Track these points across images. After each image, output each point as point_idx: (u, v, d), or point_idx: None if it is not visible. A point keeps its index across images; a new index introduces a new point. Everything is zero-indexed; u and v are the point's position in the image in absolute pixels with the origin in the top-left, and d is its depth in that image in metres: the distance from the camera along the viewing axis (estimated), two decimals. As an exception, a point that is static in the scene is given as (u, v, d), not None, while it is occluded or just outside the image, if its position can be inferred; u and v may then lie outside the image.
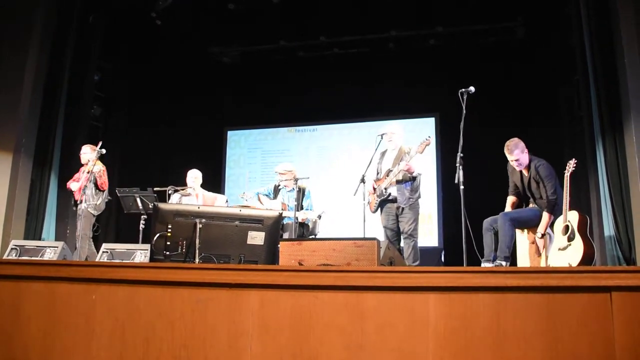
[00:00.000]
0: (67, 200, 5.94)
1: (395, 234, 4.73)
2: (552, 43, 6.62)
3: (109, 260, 4.60)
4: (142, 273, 2.24)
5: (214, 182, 7.59)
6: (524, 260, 4.34)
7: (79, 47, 6.51)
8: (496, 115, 6.48)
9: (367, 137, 6.25)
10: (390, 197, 4.72)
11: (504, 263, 4.05)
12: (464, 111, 3.96)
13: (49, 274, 2.31)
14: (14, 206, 5.51)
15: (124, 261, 4.56)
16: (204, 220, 2.82)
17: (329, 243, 3.06)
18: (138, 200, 5.56)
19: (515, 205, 4.45)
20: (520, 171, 4.35)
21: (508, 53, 6.91)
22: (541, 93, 6.61)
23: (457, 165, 3.89)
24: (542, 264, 4.21)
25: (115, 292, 2.22)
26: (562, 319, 1.82)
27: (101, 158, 5.38)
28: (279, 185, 5.55)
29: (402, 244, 4.69)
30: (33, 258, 4.51)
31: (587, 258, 3.85)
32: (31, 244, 4.85)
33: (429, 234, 7.01)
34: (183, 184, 5.80)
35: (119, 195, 5.70)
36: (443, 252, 6.93)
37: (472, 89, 4.01)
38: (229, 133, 8.42)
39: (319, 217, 5.45)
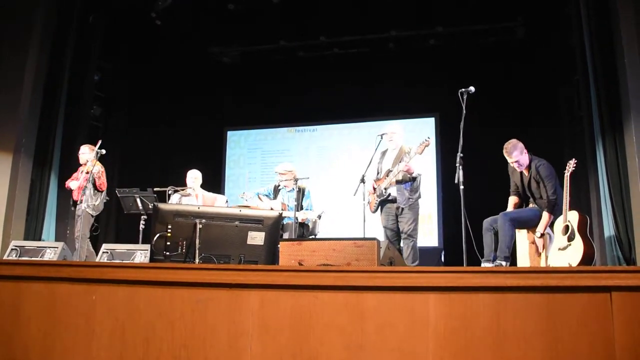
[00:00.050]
0: (67, 201, 5.93)
1: (395, 234, 4.73)
2: (552, 43, 6.62)
3: (109, 261, 4.60)
4: (142, 273, 2.24)
5: (214, 182, 7.59)
6: (523, 260, 4.34)
7: (79, 47, 6.50)
8: (496, 115, 6.48)
9: (367, 137, 6.25)
10: (390, 198, 4.72)
11: (504, 263, 4.06)
12: (464, 111, 3.96)
13: (49, 275, 2.31)
14: (14, 206, 5.50)
15: (124, 261, 4.56)
16: (204, 220, 2.82)
17: (329, 243, 3.06)
18: (138, 200, 5.56)
19: (517, 206, 4.46)
20: (521, 171, 4.35)
21: (508, 53, 6.91)
22: (541, 93, 6.61)
23: (457, 165, 3.89)
24: (542, 264, 4.21)
25: (116, 292, 2.22)
26: (562, 319, 1.82)
27: (101, 158, 5.38)
28: (278, 186, 5.55)
29: (402, 244, 4.69)
30: (33, 258, 4.51)
31: (587, 258, 3.85)
32: (31, 244, 4.85)
33: (428, 234, 7.01)
34: (183, 184, 5.80)
35: (119, 195, 5.70)
36: (443, 252, 6.93)
37: (472, 89, 4.01)
38: (229, 133, 8.42)
39: (319, 217, 5.45)
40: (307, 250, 3.06)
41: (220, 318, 2.08)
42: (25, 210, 5.71)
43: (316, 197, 5.72)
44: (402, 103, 7.29)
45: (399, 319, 1.94)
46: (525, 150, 4.30)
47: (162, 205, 2.91)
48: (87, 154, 5.60)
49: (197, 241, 2.78)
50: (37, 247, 4.76)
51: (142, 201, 5.55)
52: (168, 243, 2.79)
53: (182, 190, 5.76)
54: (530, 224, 4.26)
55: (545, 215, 4.14)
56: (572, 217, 4.02)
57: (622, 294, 1.80)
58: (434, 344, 1.89)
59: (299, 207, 5.30)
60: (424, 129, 7.25)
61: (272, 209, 5.28)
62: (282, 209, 5.33)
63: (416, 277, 1.98)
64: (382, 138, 4.76)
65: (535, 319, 1.84)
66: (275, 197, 5.56)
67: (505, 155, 4.30)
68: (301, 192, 5.39)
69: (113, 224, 7.51)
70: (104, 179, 5.52)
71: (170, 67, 7.81)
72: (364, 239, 3.12)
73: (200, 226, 2.80)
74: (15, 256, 4.58)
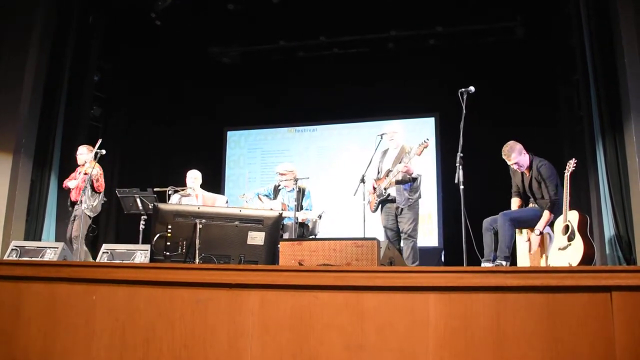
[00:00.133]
0: (66, 201, 5.93)
1: (395, 234, 4.73)
2: (551, 43, 6.63)
3: (109, 261, 4.60)
4: (142, 273, 2.24)
5: (214, 182, 7.59)
6: (523, 260, 4.34)
7: (79, 47, 6.50)
8: (496, 115, 6.48)
9: (367, 137, 6.25)
10: (389, 198, 4.72)
11: (504, 263, 4.06)
12: (464, 111, 3.96)
13: (49, 275, 2.31)
14: (14, 207, 5.50)
15: (124, 262, 4.56)
16: (204, 220, 2.82)
17: (329, 243, 3.06)
18: (138, 200, 5.56)
19: (520, 207, 4.45)
20: (522, 172, 4.35)
21: (508, 53, 6.90)
22: (541, 93, 6.61)
23: (457, 165, 3.89)
24: (542, 263, 4.22)
25: (116, 292, 2.22)
26: (563, 318, 1.82)
27: (101, 158, 5.38)
28: (279, 186, 5.55)
29: (402, 244, 4.69)
30: (33, 259, 4.51)
31: (587, 258, 3.85)
32: (31, 244, 4.84)
33: (428, 234, 7.01)
34: (183, 184, 5.80)
35: (119, 195, 5.70)
36: (443, 252, 6.93)
37: (472, 88, 4.01)
38: (229, 133, 8.42)
39: (319, 217, 5.45)
40: (307, 250, 3.06)
41: (220, 318, 2.08)
42: (26, 211, 5.71)
43: (316, 197, 5.72)
44: (402, 103, 7.29)
45: (399, 319, 1.93)
46: (524, 151, 4.30)
47: (162, 206, 2.91)
48: (85, 154, 5.59)
49: (197, 241, 2.78)
50: (38, 247, 4.76)
51: (142, 201, 5.55)
52: (168, 243, 2.79)
53: (182, 190, 5.76)
54: (530, 224, 4.26)
55: (546, 214, 4.14)
56: (572, 217, 4.02)
57: (623, 293, 1.80)
58: (434, 344, 1.89)
59: (299, 207, 5.30)
60: (424, 129, 7.25)
61: (272, 209, 5.28)
62: (282, 209, 5.33)
63: (416, 277, 1.98)
64: (382, 138, 4.77)
65: (535, 319, 1.84)
66: (275, 197, 5.56)
67: (504, 157, 4.30)
68: (301, 192, 5.39)
69: (113, 224, 7.51)
70: (102, 181, 5.52)
71: (170, 67, 7.81)
72: (364, 239, 3.12)
73: (201, 226, 2.80)
74: (16, 256, 4.58)
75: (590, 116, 5.32)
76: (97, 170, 5.40)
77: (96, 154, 5.27)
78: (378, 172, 4.89)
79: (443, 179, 7.04)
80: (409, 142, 4.80)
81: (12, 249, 4.64)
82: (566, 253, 3.98)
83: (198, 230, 2.79)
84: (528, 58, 6.72)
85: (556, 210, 4.14)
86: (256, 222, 2.90)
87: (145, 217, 5.57)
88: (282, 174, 5.46)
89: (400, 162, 4.63)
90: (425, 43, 7.32)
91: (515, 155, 4.25)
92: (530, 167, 4.31)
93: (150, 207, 5.40)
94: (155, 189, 5.63)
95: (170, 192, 5.71)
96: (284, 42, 7.73)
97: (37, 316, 2.26)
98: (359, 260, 2.90)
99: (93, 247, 6.53)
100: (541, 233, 4.16)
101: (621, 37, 4.72)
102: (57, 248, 4.70)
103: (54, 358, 2.20)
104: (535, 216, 4.22)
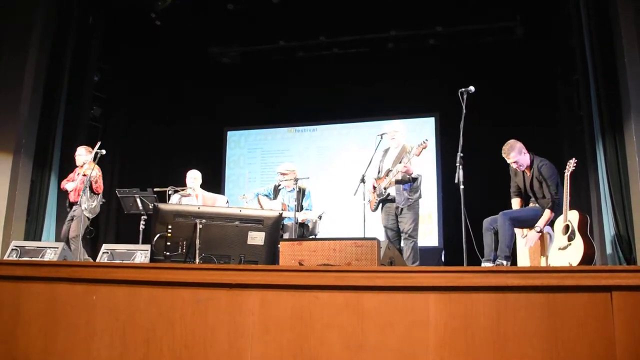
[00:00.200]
0: (66, 202, 5.93)
1: (395, 234, 4.73)
2: (551, 43, 6.63)
3: (109, 261, 4.60)
4: (143, 273, 2.24)
5: (214, 182, 7.59)
6: (524, 259, 4.34)
7: (79, 47, 6.50)
8: (496, 115, 6.48)
9: (367, 137, 6.25)
10: (389, 197, 4.72)
11: (505, 262, 4.05)
12: (464, 111, 3.96)
13: (50, 275, 2.31)
14: (14, 207, 5.50)
15: (124, 262, 4.56)
16: (204, 220, 2.82)
17: (329, 243, 3.05)
18: (138, 200, 5.56)
19: (521, 207, 4.45)
20: (523, 171, 4.35)
21: (507, 52, 6.90)
22: (541, 93, 6.61)
23: (457, 165, 3.89)
24: (542, 263, 4.22)
25: (116, 292, 2.22)
26: (563, 318, 1.82)
27: (101, 158, 5.38)
28: (279, 186, 5.55)
29: (402, 244, 4.69)
30: (33, 259, 4.50)
31: (588, 258, 3.85)
32: (32, 244, 4.84)
33: (429, 234, 7.00)
34: (183, 184, 5.80)
35: (119, 195, 5.70)
36: (443, 252, 6.93)
37: (472, 88, 4.00)
38: (229, 133, 8.42)
39: (319, 217, 5.45)
40: (307, 250, 3.06)
41: (220, 318, 2.08)
42: (26, 211, 5.71)
43: (316, 197, 5.72)
44: (402, 103, 7.29)
45: (400, 319, 1.94)
46: (524, 150, 4.30)
47: (162, 206, 2.91)
48: (84, 155, 5.59)
49: (198, 241, 2.78)
50: (38, 247, 4.75)
51: (142, 201, 5.54)
52: (168, 243, 2.79)
53: (182, 190, 5.76)
54: (530, 223, 4.26)
55: (547, 212, 4.14)
56: (573, 217, 4.02)
57: (623, 293, 1.80)
58: (434, 344, 1.89)
59: (299, 207, 5.30)
60: (424, 128, 7.25)
61: (271, 209, 5.28)
62: (282, 209, 5.33)
63: (416, 277, 1.98)
64: (382, 138, 4.76)
65: (535, 319, 1.84)
66: (275, 197, 5.56)
67: (504, 156, 4.31)
68: (301, 192, 5.39)
69: (113, 224, 7.51)
70: (100, 182, 5.52)
71: (170, 67, 7.81)
72: (364, 239, 3.12)
73: (201, 226, 2.80)
74: (16, 256, 4.58)
75: (590, 116, 5.32)
76: (96, 172, 5.40)
77: (96, 154, 5.27)
78: (379, 172, 4.89)
79: (443, 178, 7.04)
80: (411, 142, 4.79)
81: (12, 249, 4.64)
82: (566, 253, 3.98)
83: (198, 230, 2.79)
84: (528, 58, 6.72)
85: (557, 210, 4.13)
86: (256, 222, 2.90)
87: (145, 217, 5.57)
88: (283, 174, 5.46)
89: (400, 162, 4.63)
90: (425, 43, 7.32)
91: (515, 154, 4.25)
92: (530, 167, 4.31)
93: (150, 207, 5.40)
94: (155, 189, 5.62)
95: (170, 192, 5.71)
96: (283, 42, 7.73)
97: (38, 316, 2.26)
98: (359, 260, 2.90)
99: (93, 247, 6.54)
100: (541, 231, 4.16)
101: (621, 36, 4.72)
102: (57, 248, 4.69)
103: (54, 358, 2.20)
104: (535, 216, 4.22)
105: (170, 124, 8.09)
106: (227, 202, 6.08)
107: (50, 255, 4.57)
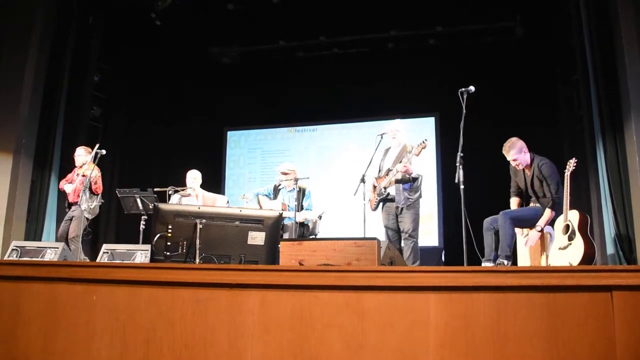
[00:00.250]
0: (65, 202, 5.93)
1: (396, 234, 4.72)
2: (551, 43, 6.63)
3: (109, 261, 4.59)
4: (143, 273, 2.24)
5: (214, 182, 7.59)
6: (524, 259, 4.34)
7: (79, 47, 6.49)
8: (496, 114, 6.48)
9: (367, 137, 6.25)
10: (389, 197, 4.72)
11: (505, 262, 4.05)
12: (464, 111, 3.96)
13: (50, 275, 2.31)
14: (14, 207, 5.50)
15: (124, 262, 4.55)
16: (204, 220, 2.82)
17: (329, 243, 3.05)
18: (138, 200, 5.56)
19: (520, 206, 4.45)
20: (523, 170, 4.35)
21: (507, 52, 6.91)
22: (541, 93, 6.61)
23: (457, 164, 3.89)
24: (543, 263, 4.21)
25: (116, 292, 2.22)
26: (563, 318, 1.82)
27: (101, 158, 5.38)
28: (279, 185, 5.55)
29: (402, 244, 4.68)
30: (34, 259, 4.50)
31: (588, 258, 3.85)
32: (32, 244, 4.83)
33: (429, 234, 7.00)
34: (183, 184, 5.80)
35: (119, 195, 5.70)
36: (443, 252, 6.93)
37: (472, 88, 4.01)
38: (229, 133, 8.42)
39: (319, 217, 5.45)
40: (307, 250, 3.05)
41: (220, 318, 2.08)
42: (26, 211, 5.70)
43: (316, 197, 5.72)
44: (401, 103, 7.29)
45: (400, 319, 1.93)
46: (526, 149, 4.29)
47: (162, 206, 2.91)
48: (83, 156, 5.59)
49: (198, 241, 2.78)
50: (38, 247, 4.75)
51: (142, 201, 5.54)
52: (168, 243, 2.79)
53: (183, 190, 5.76)
54: (531, 223, 4.25)
55: (548, 211, 4.14)
56: (573, 217, 4.02)
57: (623, 293, 1.80)
58: (434, 344, 1.89)
59: (299, 207, 5.30)
60: (424, 128, 7.25)
61: (272, 209, 5.28)
62: (282, 209, 5.33)
63: (417, 277, 1.98)
64: (382, 138, 4.76)
65: (536, 319, 1.84)
66: (275, 197, 5.56)
67: (504, 153, 4.31)
68: (301, 192, 5.39)
69: (113, 224, 7.51)
70: (100, 183, 5.51)
71: (170, 67, 7.81)
72: (365, 238, 3.12)
73: (201, 226, 2.80)
74: (16, 256, 4.58)
75: (590, 115, 5.32)
76: (95, 173, 5.40)
77: (96, 154, 5.27)
78: (379, 171, 4.88)
79: (443, 178, 7.04)
80: (412, 141, 4.78)
81: (13, 249, 4.64)
82: (567, 252, 3.98)
83: (198, 230, 2.79)
84: (528, 58, 6.72)
85: (557, 209, 4.13)
86: (256, 222, 2.90)
87: (145, 217, 5.57)
88: (285, 173, 5.46)
89: (400, 162, 4.63)
90: (425, 43, 7.32)
91: (515, 152, 4.26)
92: (531, 166, 4.31)
93: (150, 207, 5.40)
94: (155, 189, 5.62)
95: (170, 192, 5.71)
96: (283, 42, 7.73)
97: (38, 316, 2.26)
98: (360, 260, 2.89)
99: (93, 247, 6.54)
100: (542, 230, 4.15)
101: (621, 36, 4.71)
102: (58, 248, 4.69)
103: (54, 358, 2.20)
104: (536, 215, 4.22)
105: (170, 124, 8.09)
106: (228, 202, 6.08)
107: (50, 256, 4.57)
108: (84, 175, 5.42)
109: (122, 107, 7.89)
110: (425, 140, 4.53)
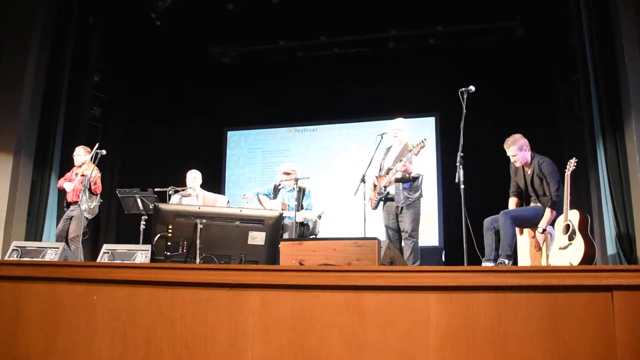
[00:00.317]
0: (64, 201, 5.93)
1: (396, 234, 4.71)
2: (551, 43, 6.63)
3: (109, 261, 4.59)
4: (143, 274, 2.24)
5: (214, 182, 7.59)
6: (524, 259, 4.34)
7: (79, 47, 6.50)
8: (496, 114, 6.48)
9: (367, 137, 6.25)
10: (389, 196, 4.71)
11: (506, 261, 4.05)
12: (464, 110, 3.96)
13: (50, 275, 2.31)
14: (14, 207, 5.50)
15: (124, 262, 4.55)
16: (204, 220, 2.82)
17: (329, 243, 3.05)
18: (138, 200, 5.56)
19: (518, 206, 4.45)
20: (523, 169, 4.35)
21: (507, 52, 6.91)
22: (541, 92, 6.61)
23: (458, 164, 3.89)
24: (543, 263, 4.21)
25: (116, 292, 2.22)
26: (564, 318, 1.82)
27: (101, 159, 5.38)
28: (279, 185, 5.55)
29: (402, 244, 4.68)
30: (34, 259, 4.50)
31: (588, 258, 3.85)
32: (32, 245, 4.83)
33: (429, 234, 7.00)
34: (183, 184, 5.80)
35: (119, 195, 5.70)
36: (444, 252, 6.93)
37: (472, 88, 4.01)
38: (229, 133, 8.42)
39: (319, 217, 5.45)
40: (307, 250, 3.05)
41: (221, 318, 2.08)
42: (26, 211, 5.70)
43: (316, 197, 5.73)
44: (402, 103, 7.27)
45: (400, 319, 1.93)
46: (527, 148, 4.29)
47: (162, 206, 2.91)
48: (82, 155, 5.58)
49: (198, 241, 2.78)
50: (39, 247, 4.75)
51: (142, 201, 5.54)
52: (169, 243, 2.78)
53: (183, 190, 5.76)
54: (531, 222, 4.26)
55: (548, 211, 4.13)
56: (573, 216, 4.02)
57: (624, 293, 1.80)
58: (434, 344, 1.89)
59: (299, 207, 5.30)
60: (424, 128, 7.25)
61: (272, 209, 5.28)
62: (282, 209, 5.34)
63: (417, 277, 1.98)
64: (382, 137, 4.76)
65: (536, 319, 1.84)
66: (275, 197, 5.56)
67: (505, 147, 4.32)
68: (301, 192, 5.39)
69: (113, 224, 7.51)
70: (99, 184, 5.51)
71: (170, 67, 7.81)
72: (365, 238, 3.12)
73: (201, 226, 2.80)
74: (17, 257, 4.58)
75: (590, 115, 5.32)
76: (95, 173, 5.40)
77: (96, 154, 5.27)
78: (380, 169, 4.88)
79: (443, 178, 7.04)
80: (413, 140, 4.77)
81: (13, 250, 4.64)
82: (567, 252, 3.98)
83: (199, 230, 2.79)
84: (528, 58, 6.72)
85: (558, 208, 4.13)
86: (257, 222, 2.90)
87: (145, 217, 5.57)
88: (287, 173, 5.46)
89: (400, 161, 4.62)
90: (425, 43, 7.32)
91: (515, 149, 4.26)
92: (530, 164, 4.31)
93: (150, 207, 5.40)
94: (155, 189, 5.62)
95: (170, 192, 5.71)
96: (283, 42, 7.73)
97: (38, 316, 2.26)
98: (360, 260, 2.89)
99: (94, 247, 6.54)
100: (544, 230, 4.15)
101: (621, 36, 4.71)
102: (58, 248, 4.69)
103: (55, 358, 2.20)
104: (536, 215, 4.22)
105: (170, 124, 8.09)
106: (228, 202, 6.08)
107: (51, 256, 4.57)
108: (83, 175, 5.42)
109: (122, 107, 7.89)
110: (425, 139, 4.52)
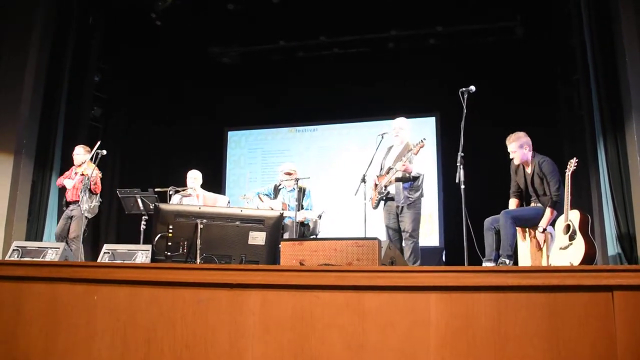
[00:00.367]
0: (63, 200, 5.93)
1: (396, 233, 4.70)
2: (551, 43, 6.63)
3: (110, 261, 4.59)
4: (144, 274, 2.24)
5: (215, 182, 7.59)
6: (525, 259, 4.34)
7: (79, 47, 6.50)
8: (496, 114, 6.48)
9: (367, 137, 6.26)
10: (389, 195, 4.71)
11: (507, 261, 4.05)
12: (465, 110, 3.96)
13: (51, 275, 2.31)
14: (15, 207, 5.50)
15: (125, 262, 4.55)
16: (205, 220, 2.82)
17: (330, 243, 3.05)
18: (139, 200, 5.56)
19: (518, 207, 4.45)
20: (523, 168, 4.35)
21: (507, 52, 6.91)
22: (541, 92, 6.61)
23: (458, 164, 3.89)
24: (544, 263, 4.21)
25: (117, 292, 2.22)
26: (564, 318, 1.82)
27: (101, 159, 5.38)
28: (279, 185, 5.55)
29: (403, 244, 4.67)
30: (35, 259, 4.50)
31: (589, 258, 3.85)
32: (33, 245, 4.83)
33: (429, 234, 7.00)
34: (184, 184, 5.80)
35: (120, 196, 5.70)
36: (444, 252, 6.93)
37: (472, 88, 4.01)
38: (229, 133, 8.42)
39: (319, 217, 5.45)
40: (308, 250, 3.05)
41: (221, 318, 2.08)
42: (27, 211, 5.71)
43: (316, 197, 5.73)
44: (402, 103, 7.26)
45: (400, 319, 1.93)
46: (528, 147, 4.28)
47: (163, 206, 2.91)
48: (82, 155, 5.58)
49: (198, 241, 2.78)
50: (39, 247, 4.75)
51: (143, 201, 5.54)
52: (169, 243, 2.79)
53: (183, 190, 5.76)
54: (532, 222, 4.25)
55: (548, 211, 4.13)
56: (574, 217, 4.01)
57: (624, 293, 1.80)
58: (435, 344, 1.89)
59: (299, 206, 5.30)
60: (424, 128, 7.25)
61: (272, 209, 5.28)
62: (282, 209, 5.34)
63: (417, 277, 1.98)
64: (382, 137, 4.75)
65: (536, 319, 1.84)
66: (275, 197, 5.56)
67: (506, 142, 4.32)
68: (302, 192, 5.40)
69: (114, 224, 7.51)
70: (99, 183, 5.51)
71: (170, 67, 7.81)
72: (365, 238, 3.12)
73: (202, 226, 2.80)
74: (17, 257, 4.58)
75: (590, 115, 5.32)
76: (95, 172, 5.40)
77: (97, 154, 5.27)
78: (381, 169, 4.87)
79: (444, 178, 7.04)
80: (414, 140, 4.76)
81: (14, 250, 4.64)
82: (567, 252, 3.98)
83: (199, 230, 2.79)
84: (528, 58, 6.72)
85: (558, 208, 4.12)
86: (257, 222, 2.90)
87: (146, 217, 5.57)
88: (289, 174, 5.46)
89: (401, 160, 4.62)
90: (425, 43, 7.32)
91: (515, 146, 4.26)
92: (530, 163, 4.30)
93: (151, 207, 5.40)
94: (156, 189, 5.62)
95: (171, 193, 5.71)
96: (283, 42, 7.73)
97: (38, 316, 2.26)
98: (360, 260, 2.89)
99: (94, 247, 6.54)
100: (544, 230, 4.15)
101: (622, 36, 4.71)
102: (59, 248, 4.69)
103: (55, 358, 2.20)
104: (537, 215, 4.21)
105: (170, 124, 8.09)
106: (229, 202, 6.08)
107: (51, 256, 4.57)
108: (83, 174, 5.42)
109: (122, 107, 7.89)
110: (424, 139, 4.51)
